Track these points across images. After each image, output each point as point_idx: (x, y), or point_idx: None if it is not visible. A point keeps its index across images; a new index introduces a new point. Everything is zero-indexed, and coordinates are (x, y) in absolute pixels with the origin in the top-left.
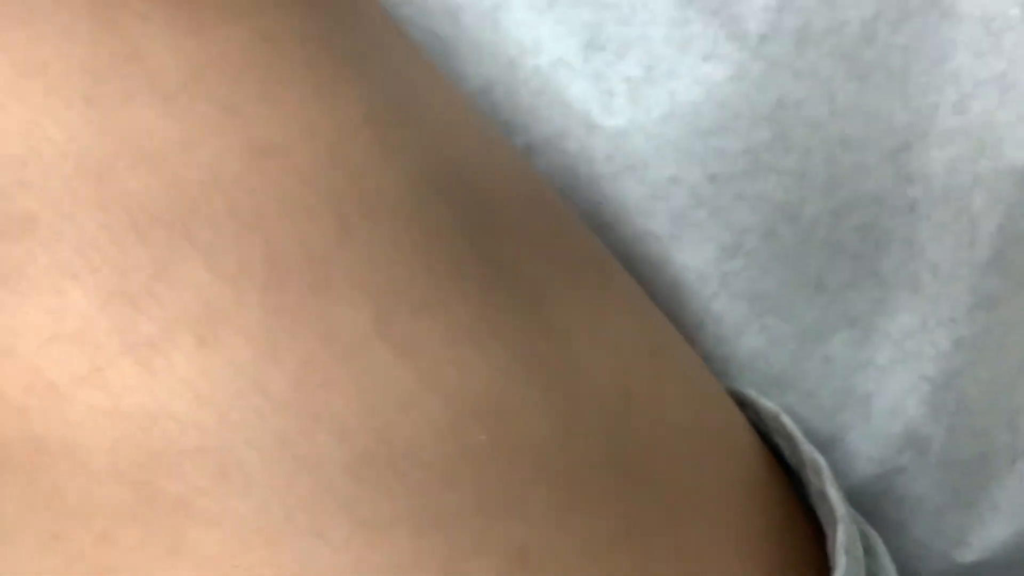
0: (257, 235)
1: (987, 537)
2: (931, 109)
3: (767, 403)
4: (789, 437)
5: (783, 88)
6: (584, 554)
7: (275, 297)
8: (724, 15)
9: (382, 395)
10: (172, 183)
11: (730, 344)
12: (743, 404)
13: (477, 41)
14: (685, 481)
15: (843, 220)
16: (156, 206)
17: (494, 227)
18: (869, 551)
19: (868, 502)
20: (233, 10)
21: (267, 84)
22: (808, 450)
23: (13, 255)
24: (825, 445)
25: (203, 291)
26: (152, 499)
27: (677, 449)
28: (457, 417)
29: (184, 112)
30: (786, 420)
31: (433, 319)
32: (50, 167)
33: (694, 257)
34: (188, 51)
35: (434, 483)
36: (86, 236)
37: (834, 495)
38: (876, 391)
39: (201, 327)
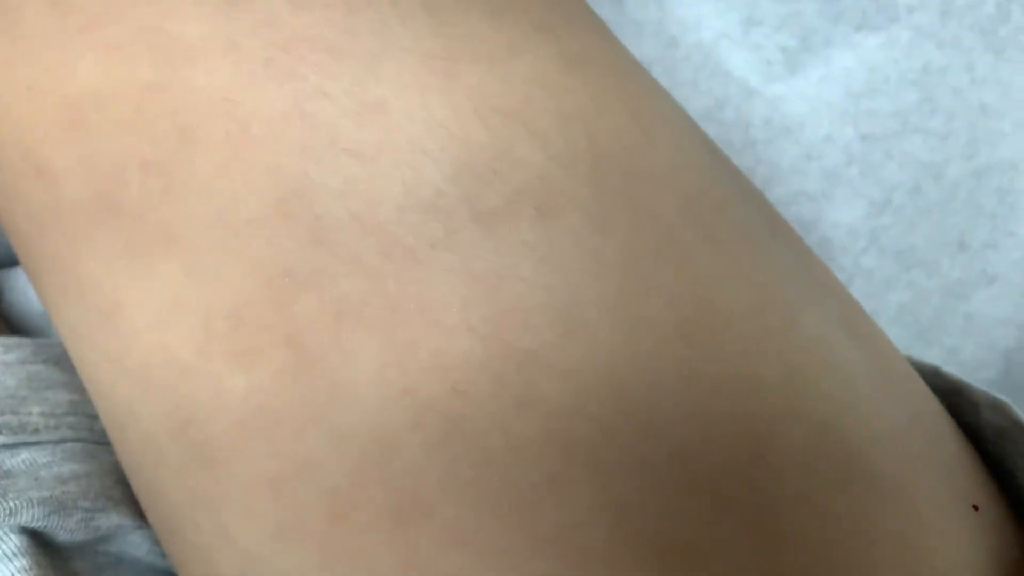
0: (579, 125)
1: None
2: None
3: (922, 360)
4: (954, 388)
5: (928, 56)
6: None
7: (601, 179)
8: None
9: (697, 271)
10: (505, 80)
11: (879, 298)
12: None
13: (640, 21)
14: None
15: (983, 182)
16: (494, 98)
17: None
18: None
19: None
20: None
21: (568, 10)
22: (985, 392)
23: (370, 136)
24: None
25: (540, 169)
26: (503, 353)
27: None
28: (757, 302)
29: (509, 26)
30: (948, 372)
31: (727, 219)
32: (400, 60)
33: (845, 214)
34: None
35: (746, 354)
36: (435, 118)
37: None
38: (1017, 347)
39: (540, 199)
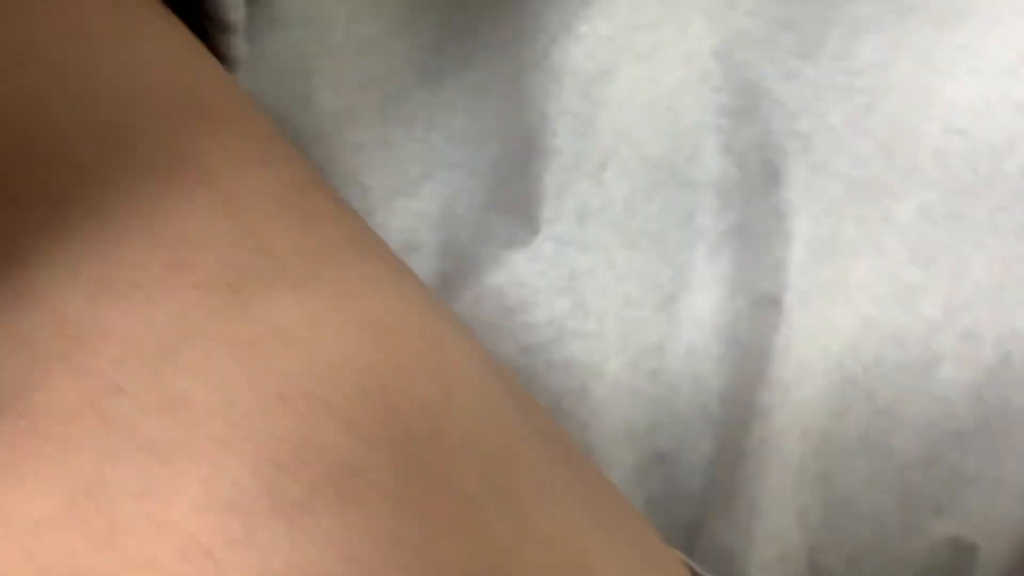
0: (382, 400)
1: None
2: (688, 263)
3: None
4: None
5: (573, 262)
6: None
7: (402, 456)
8: (518, 209)
9: (494, 541)
10: (311, 362)
11: None
12: None
13: None
14: None
15: (638, 369)
16: (300, 382)
17: None
18: None
19: None
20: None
21: (371, 271)
22: None
23: (168, 433)
24: None
25: (343, 453)
26: None
27: None
28: (555, 563)
29: (311, 298)
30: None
31: (526, 478)
32: (204, 350)
33: None
34: (308, 245)
35: None
36: (239, 410)
37: None
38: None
39: (342, 486)
